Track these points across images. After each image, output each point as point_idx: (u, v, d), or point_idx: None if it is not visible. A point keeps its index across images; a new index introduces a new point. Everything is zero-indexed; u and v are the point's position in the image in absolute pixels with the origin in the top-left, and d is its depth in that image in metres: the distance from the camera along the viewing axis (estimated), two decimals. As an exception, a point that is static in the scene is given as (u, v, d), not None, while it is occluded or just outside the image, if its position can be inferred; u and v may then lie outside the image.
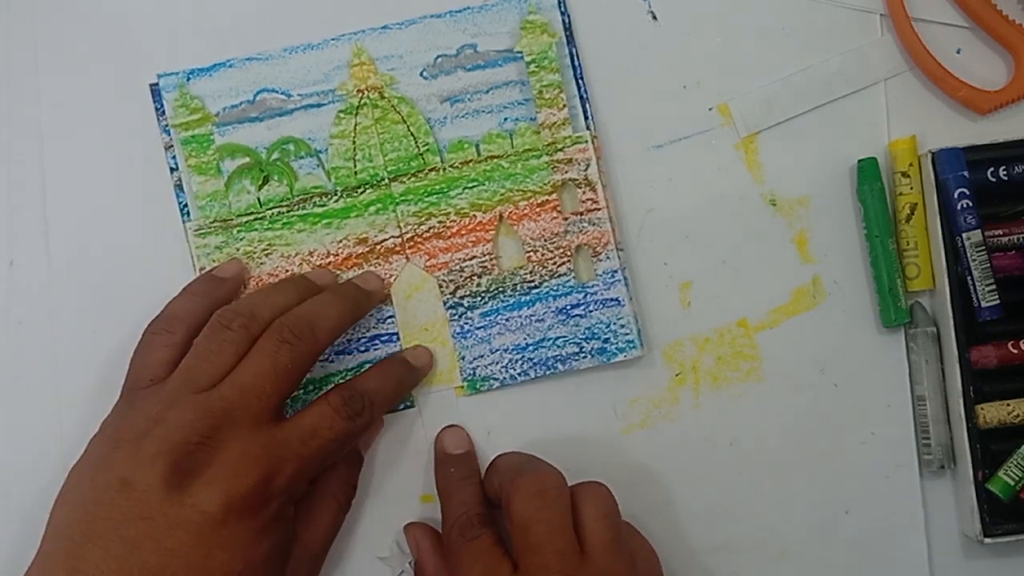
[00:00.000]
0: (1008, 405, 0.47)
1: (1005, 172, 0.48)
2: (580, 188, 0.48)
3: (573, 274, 0.48)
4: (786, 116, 0.50)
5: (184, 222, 0.48)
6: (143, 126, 0.49)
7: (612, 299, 0.48)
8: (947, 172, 0.47)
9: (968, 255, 0.47)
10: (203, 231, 0.48)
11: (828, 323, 0.49)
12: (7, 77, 0.49)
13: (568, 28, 0.49)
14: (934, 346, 0.48)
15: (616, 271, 0.48)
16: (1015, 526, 0.46)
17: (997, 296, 0.47)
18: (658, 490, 0.48)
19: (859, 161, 0.49)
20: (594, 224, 0.48)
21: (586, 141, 0.48)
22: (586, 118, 0.49)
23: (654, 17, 0.50)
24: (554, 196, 0.48)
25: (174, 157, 0.49)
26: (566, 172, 0.48)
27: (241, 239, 0.48)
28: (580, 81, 0.49)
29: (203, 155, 0.48)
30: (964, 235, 0.47)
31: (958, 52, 0.50)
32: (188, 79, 0.49)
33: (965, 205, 0.47)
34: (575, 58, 0.49)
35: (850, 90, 0.50)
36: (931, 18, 0.50)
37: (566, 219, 0.48)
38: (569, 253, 0.48)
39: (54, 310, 0.48)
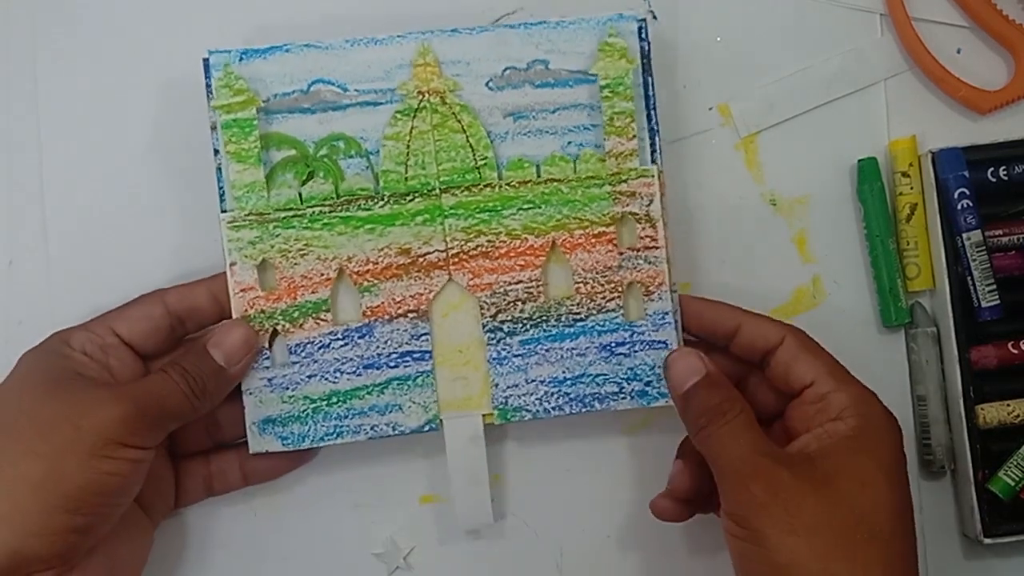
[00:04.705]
0: (1008, 405, 0.47)
1: (1005, 172, 0.48)
2: (640, 223, 0.46)
3: (622, 311, 0.46)
4: (786, 116, 0.50)
5: (220, 213, 0.45)
6: (143, 124, 0.49)
7: (660, 341, 0.45)
8: (947, 172, 0.47)
9: (968, 255, 0.47)
10: (237, 224, 0.45)
11: (828, 323, 0.49)
12: (7, 76, 0.49)
13: (646, 56, 0.46)
14: (934, 346, 0.48)
15: (667, 313, 0.45)
16: (1015, 526, 0.46)
17: (997, 296, 0.47)
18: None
19: (859, 161, 0.49)
20: (650, 262, 0.46)
21: (652, 176, 0.46)
22: (654, 151, 0.46)
23: (654, 16, 0.50)
24: (612, 228, 0.46)
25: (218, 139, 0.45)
26: (627, 205, 0.46)
27: (277, 236, 0.45)
28: (653, 112, 0.46)
29: (244, 141, 0.45)
30: (964, 235, 0.47)
31: (958, 52, 0.50)
32: (240, 59, 0.45)
33: (965, 205, 0.47)
34: (650, 88, 0.46)
35: (850, 90, 0.50)
36: (931, 18, 0.50)
37: (621, 253, 0.46)
38: (620, 289, 0.46)
39: (54, 310, 0.48)
